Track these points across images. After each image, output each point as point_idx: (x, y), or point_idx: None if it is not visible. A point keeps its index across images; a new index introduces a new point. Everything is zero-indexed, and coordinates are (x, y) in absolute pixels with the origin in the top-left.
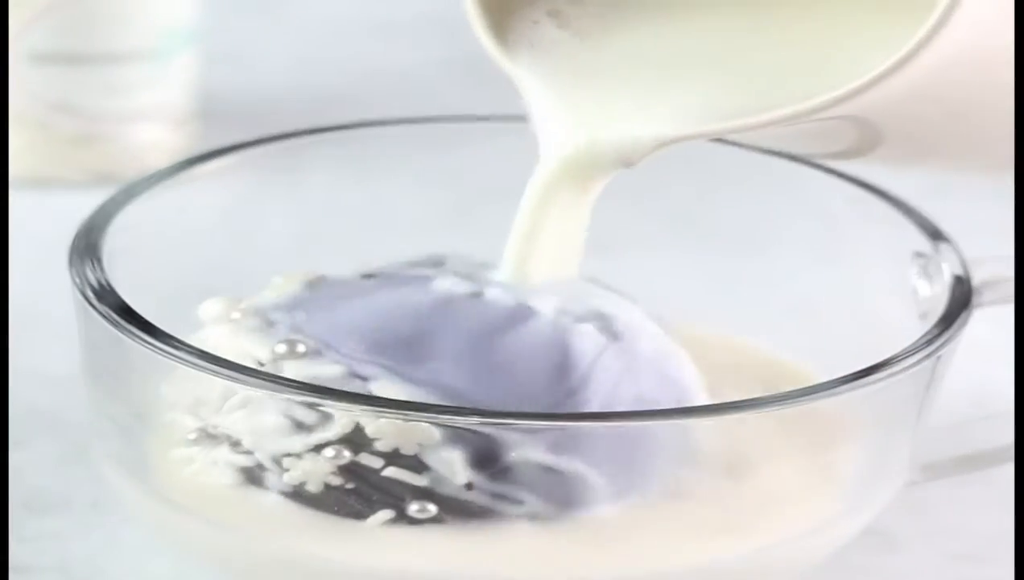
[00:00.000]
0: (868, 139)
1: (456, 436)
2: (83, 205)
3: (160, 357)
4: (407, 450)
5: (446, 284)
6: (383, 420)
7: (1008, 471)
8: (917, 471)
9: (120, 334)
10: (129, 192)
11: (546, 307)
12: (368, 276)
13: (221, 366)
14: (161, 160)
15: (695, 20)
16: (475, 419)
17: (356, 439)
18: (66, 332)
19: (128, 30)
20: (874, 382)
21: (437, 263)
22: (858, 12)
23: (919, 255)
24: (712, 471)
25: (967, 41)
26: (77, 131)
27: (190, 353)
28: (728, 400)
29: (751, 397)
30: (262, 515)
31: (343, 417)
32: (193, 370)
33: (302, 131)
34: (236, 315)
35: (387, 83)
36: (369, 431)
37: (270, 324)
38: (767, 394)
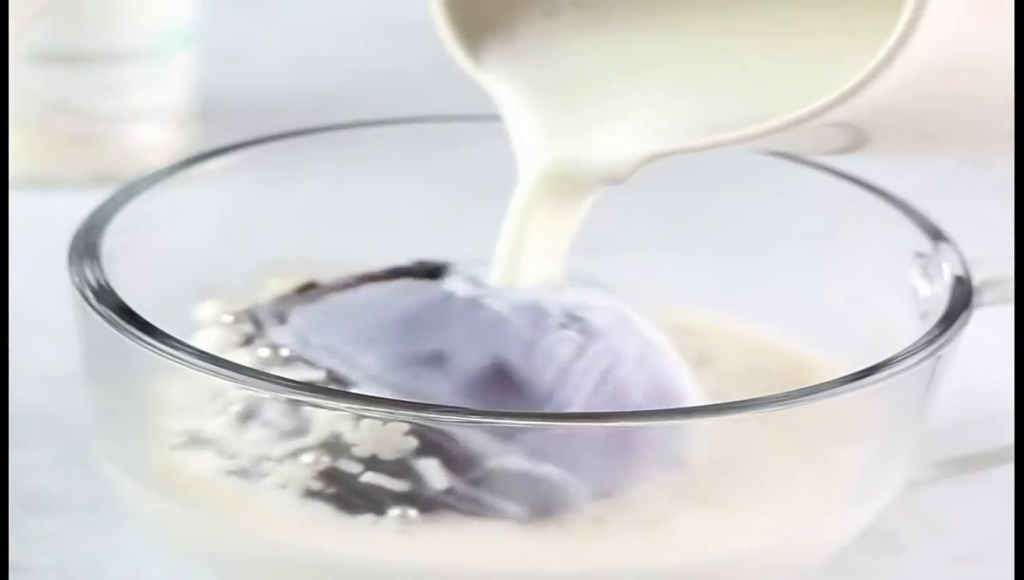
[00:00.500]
0: (855, 140)
1: (434, 441)
2: (83, 205)
3: (159, 357)
4: (385, 455)
5: (433, 292)
6: (362, 424)
7: (1008, 471)
8: (917, 471)
9: (119, 334)
10: (129, 192)
11: (531, 311)
12: (360, 279)
13: (220, 366)
14: (161, 160)
15: (678, 31)
16: (472, 418)
17: (334, 445)
18: (66, 332)
19: (128, 30)
20: (875, 382)
21: (430, 269)
22: (846, 20)
23: (919, 255)
24: (712, 471)
25: (946, 45)
26: (77, 131)
27: (189, 353)
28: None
29: (751, 397)
30: (256, 512)
31: (322, 424)
32: (192, 370)
33: (302, 131)
34: (227, 318)
35: (387, 83)
36: (347, 438)
37: (258, 328)
38: (767, 394)
